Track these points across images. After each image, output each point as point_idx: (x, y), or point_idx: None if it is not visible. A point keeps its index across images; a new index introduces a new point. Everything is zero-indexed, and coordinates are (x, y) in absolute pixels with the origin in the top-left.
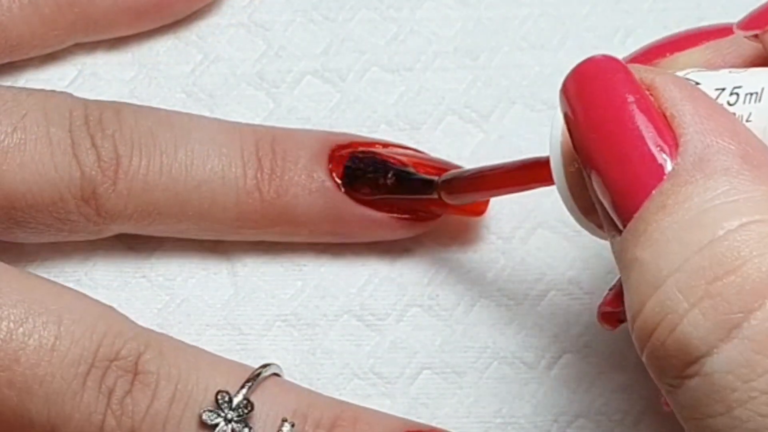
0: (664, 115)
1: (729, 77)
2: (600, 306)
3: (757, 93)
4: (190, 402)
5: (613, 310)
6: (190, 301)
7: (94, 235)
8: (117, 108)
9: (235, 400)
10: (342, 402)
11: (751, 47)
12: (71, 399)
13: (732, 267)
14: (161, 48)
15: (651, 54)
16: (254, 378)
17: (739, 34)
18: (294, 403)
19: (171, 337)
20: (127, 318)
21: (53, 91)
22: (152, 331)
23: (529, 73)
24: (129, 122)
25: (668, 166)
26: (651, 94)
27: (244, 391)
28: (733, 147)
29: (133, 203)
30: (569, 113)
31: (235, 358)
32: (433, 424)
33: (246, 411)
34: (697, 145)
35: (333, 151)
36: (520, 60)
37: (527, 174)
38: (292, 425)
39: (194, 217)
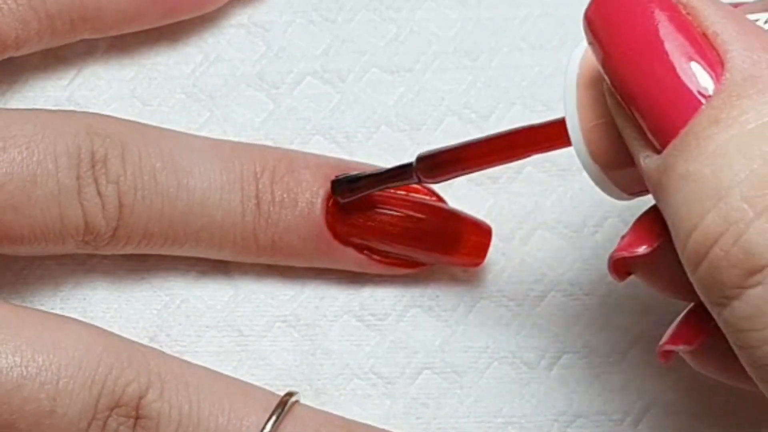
0: (705, 34)
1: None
2: (614, 253)
3: None
4: None
5: (629, 255)
6: (190, 302)
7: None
8: (123, 143)
9: None
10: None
11: None
12: None
13: None
14: (161, 48)
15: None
16: (277, 412)
17: None
18: None
19: (179, 363)
20: (126, 346)
21: (58, 115)
22: (157, 355)
23: (529, 73)
24: (133, 161)
25: (712, 85)
26: (689, 14)
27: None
28: None
29: (132, 243)
30: (597, 38)
31: (235, 359)
32: (434, 424)
33: None
34: (746, 61)
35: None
36: (519, 60)
37: (515, 141)
38: None
39: (191, 251)
